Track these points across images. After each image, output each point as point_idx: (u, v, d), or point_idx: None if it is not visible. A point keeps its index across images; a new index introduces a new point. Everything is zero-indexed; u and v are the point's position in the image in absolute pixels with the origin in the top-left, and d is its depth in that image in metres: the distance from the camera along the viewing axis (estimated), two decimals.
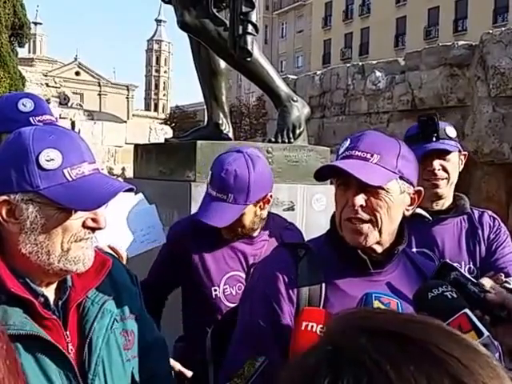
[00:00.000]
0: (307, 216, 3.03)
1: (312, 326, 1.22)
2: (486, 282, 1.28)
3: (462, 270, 1.36)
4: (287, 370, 0.59)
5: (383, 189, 1.33)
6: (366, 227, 1.34)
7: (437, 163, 2.04)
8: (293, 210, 3.02)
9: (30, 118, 1.91)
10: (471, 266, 2.05)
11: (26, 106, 1.95)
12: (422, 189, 1.45)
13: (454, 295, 1.13)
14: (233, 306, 1.95)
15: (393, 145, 1.38)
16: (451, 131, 2.10)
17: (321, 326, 1.20)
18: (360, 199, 1.32)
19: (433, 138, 2.05)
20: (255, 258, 2.02)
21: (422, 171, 1.97)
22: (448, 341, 0.52)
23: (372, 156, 1.33)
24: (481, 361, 0.50)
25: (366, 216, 1.34)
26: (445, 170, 2.06)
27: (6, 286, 1.10)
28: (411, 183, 1.40)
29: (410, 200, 1.41)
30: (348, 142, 1.39)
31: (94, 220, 1.18)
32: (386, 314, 0.60)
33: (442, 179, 2.06)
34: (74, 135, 1.22)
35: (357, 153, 1.34)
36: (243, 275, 2.03)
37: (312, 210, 3.04)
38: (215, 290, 2.02)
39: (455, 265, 1.39)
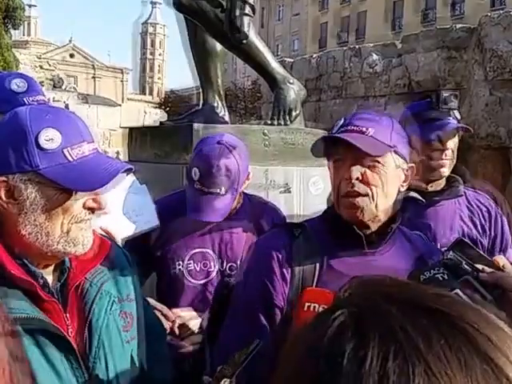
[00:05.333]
0: (304, 198, 3.03)
1: (314, 307, 1.22)
2: (500, 260, 1.29)
3: (478, 248, 1.37)
4: (300, 333, 0.56)
5: (379, 162, 1.35)
6: (362, 201, 1.35)
7: (451, 143, 2.00)
8: (289, 192, 3.01)
9: (24, 99, 1.89)
10: None
11: (19, 86, 1.92)
12: (414, 165, 1.46)
13: (446, 277, 1.16)
14: (196, 282, 1.99)
15: (386, 120, 1.41)
16: (457, 114, 2.07)
17: (323, 306, 1.20)
18: (356, 172, 1.33)
19: (450, 117, 1.99)
20: (231, 235, 2.02)
21: (431, 150, 1.96)
22: (479, 319, 0.50)
23: (367, 129, 1.35)
24: (510, 341, 0.49)
25: (362, 189, 1.35)
26: (452, 151, 2.04)
27: (6, 269, 1.09)
28: (405, 159, 1.41)
29: (404, 176, 1.42)
30: (342, 120, 1.41)
31: (94, 201, 1.17)
32: (414, 286, 0.58)
33: (449, 159, 2.03)
34: (71, 114, 1.19)
35: (352, 127, 1.36)
36: (212, 253, 2.02)
37: (309, 192, 3.04)
38: (179, 265, 2.01)
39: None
